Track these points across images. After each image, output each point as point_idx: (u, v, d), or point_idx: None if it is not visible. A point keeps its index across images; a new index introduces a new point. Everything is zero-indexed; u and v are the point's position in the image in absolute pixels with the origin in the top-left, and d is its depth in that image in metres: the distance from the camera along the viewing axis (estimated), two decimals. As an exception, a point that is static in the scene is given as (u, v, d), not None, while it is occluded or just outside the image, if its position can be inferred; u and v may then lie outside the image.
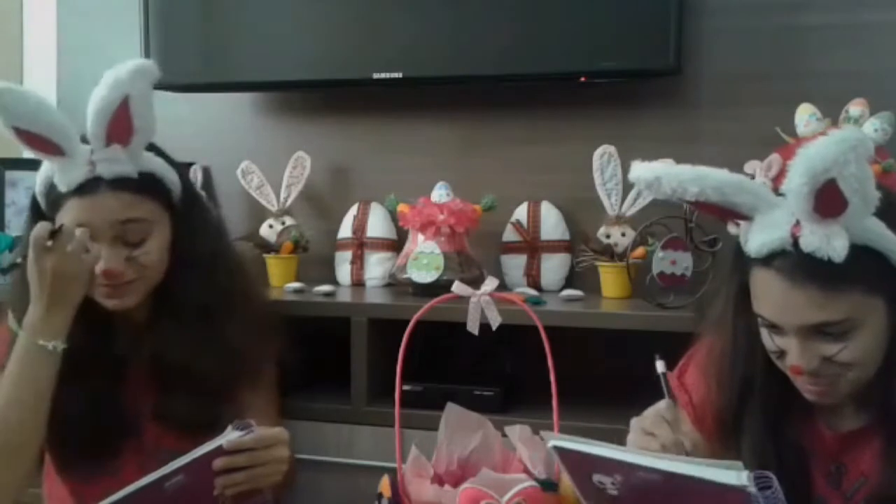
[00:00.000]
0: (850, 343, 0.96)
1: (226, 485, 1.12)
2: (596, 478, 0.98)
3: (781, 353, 1.01)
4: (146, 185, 1.26)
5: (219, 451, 1.10)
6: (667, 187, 0.99)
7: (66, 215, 1.21)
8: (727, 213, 1.01)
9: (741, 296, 1.05)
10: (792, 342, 0.98)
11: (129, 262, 1.23)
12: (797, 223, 0.94)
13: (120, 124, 1.21)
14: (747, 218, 1.00)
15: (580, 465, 1.00)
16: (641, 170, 1.02)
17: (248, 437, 1.12)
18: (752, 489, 0.84)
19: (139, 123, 1.23)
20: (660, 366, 1.08)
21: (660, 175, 1.00)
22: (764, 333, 1.03)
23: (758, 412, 1.07)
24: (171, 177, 1.30)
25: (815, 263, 0.92)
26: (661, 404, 1.05)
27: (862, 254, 0.93)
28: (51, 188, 1.24)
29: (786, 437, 1.06)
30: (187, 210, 1.32)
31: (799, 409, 1.07)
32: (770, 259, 0.96)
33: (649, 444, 1.01)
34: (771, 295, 0.98)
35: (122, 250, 1.23)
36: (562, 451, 1.00)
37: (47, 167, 1.25)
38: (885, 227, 0.95)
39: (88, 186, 1.21)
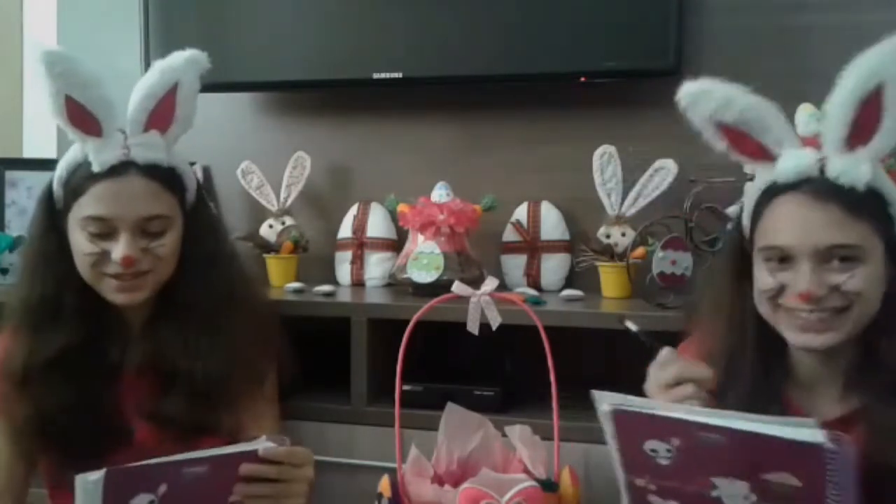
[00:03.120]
0: (857, 272, 1.01)
1: (248, 494, 1.08)
2: (649, 445, 0.94)
3: (780, 291, 1.04)
4: (171, 179, 1.27)
5: (251, 456, 1.06)
6: (715, 101, 1.07)
7: (91, 200, 1.21)
8: (754, 145, 1.08)
9: (741, 264, 1.11)
10: (802, 269, 1.02)
11: (145, 252, 1.23)
12: (822, 158, 1.03)
13: (163, 111, 1.26)
14: (771, 156, 1.07)
15: (637, 430, 0.95)
16: (693, 85, 1.09)
17: (282, 450, 1.08)
18: (831, 445, 0.83)
19: (181, 113, 1.28)
20: (630, 325, 1.08)
21: (710, 89, 1.08)
22: (764, 275, 1.06)
23: (745, 385, 1.09)
24: (190, 176, 1.31)
25: (838, 188, 1.01)
26: (664, 354, 1.06)
27: (873, 194, 1.02)
28: (75, 172, 1.23)
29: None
30: (197, 213, 1.32)
31: (782, 395, 1.09)
32: (795, 185, 1.04)
33: (685, 391, 1.02)
34: (792, 218, 1.04)
35: (141, 240, 1.23)
36: (620, 415, 0.95)
37: (73, 152, 1.25)
38: (892, 183, 1.05)
39: (120, 169, 1.22)
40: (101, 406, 1.25)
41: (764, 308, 1.08)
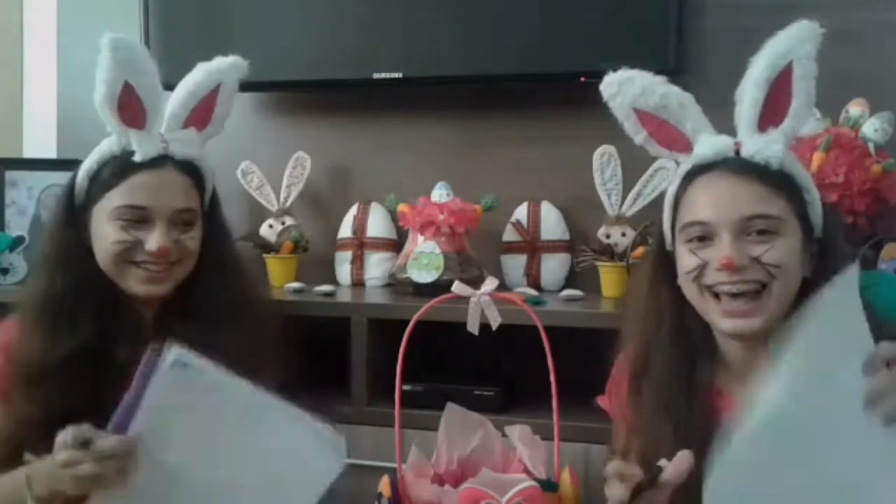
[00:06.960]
0: (777, 244, 1.03)
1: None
2: None
3: (703, 269, 1.06)
4: (200, 176, 1.31)
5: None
6: (637, 86, 1.15)
7: (129, 190, 1.23)
8: (673, 134, 1.14)
9: (660, 268, 1.14)
10: (723, 240, 1.04)
11: (176, 244, 1.26)
12: (737, 142, 1.09)
13: (203, 110, 1.33)
14: (689, 145, 1.12)
15: None
16: (616, 74, 1.18)
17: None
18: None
19: (219, 113, 1.35)
20: (663, 462, 0.98)
21: (633, 76, 1.16)
22: (686, 256, 1.08)
23: (662, 378, 1.11)
24: (210, 178, 1.34)
25: (755, 165, 1.07)
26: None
27: (786, 176, 1.07)
28: (107, 165, 1.26)
29: (687, 409, 1.09)
30: (212, 214, 1.35)
31: (711, 384, 1.11)
32: (713, 165, 1.09)
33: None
34: (712, 193, 1.08)
35: (173, 232, 1.26)
36: None
37: (106, 145, 1.27)
38: (804, 169, 1.10)
39: (158, 161, 1.26)
40: (107, 409, 1.25)
41: (690, 293, 1.09)
